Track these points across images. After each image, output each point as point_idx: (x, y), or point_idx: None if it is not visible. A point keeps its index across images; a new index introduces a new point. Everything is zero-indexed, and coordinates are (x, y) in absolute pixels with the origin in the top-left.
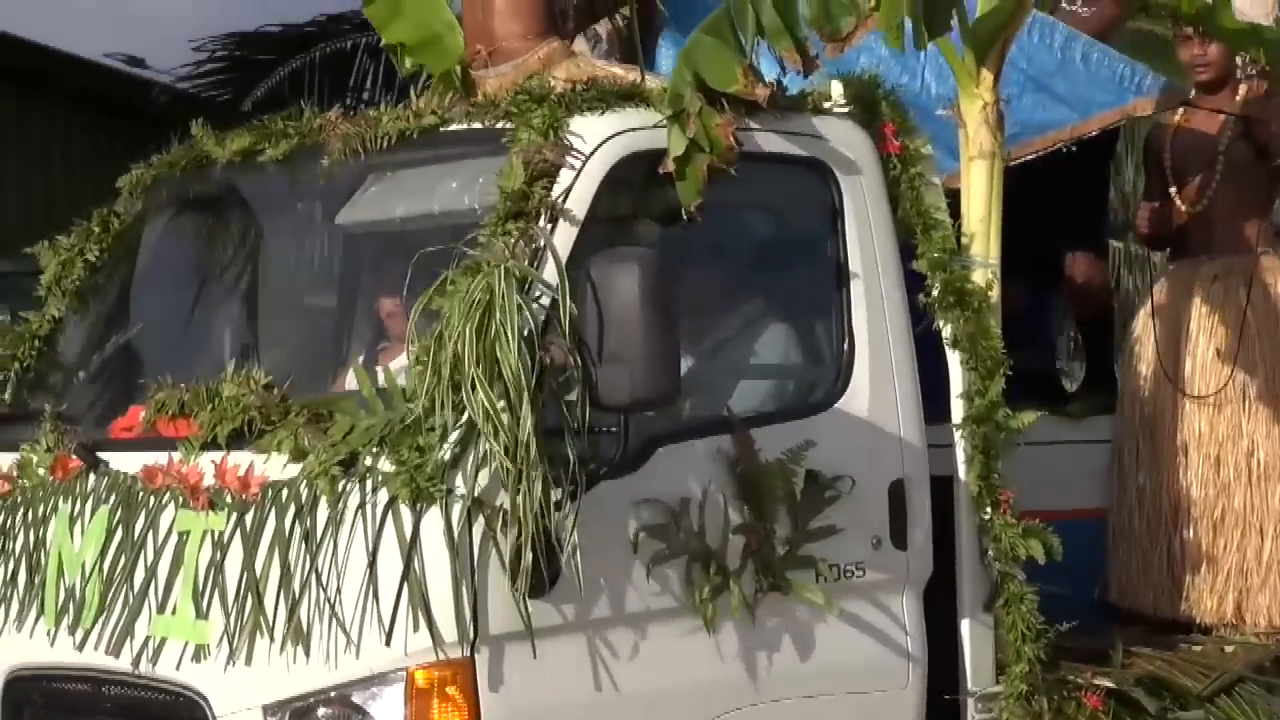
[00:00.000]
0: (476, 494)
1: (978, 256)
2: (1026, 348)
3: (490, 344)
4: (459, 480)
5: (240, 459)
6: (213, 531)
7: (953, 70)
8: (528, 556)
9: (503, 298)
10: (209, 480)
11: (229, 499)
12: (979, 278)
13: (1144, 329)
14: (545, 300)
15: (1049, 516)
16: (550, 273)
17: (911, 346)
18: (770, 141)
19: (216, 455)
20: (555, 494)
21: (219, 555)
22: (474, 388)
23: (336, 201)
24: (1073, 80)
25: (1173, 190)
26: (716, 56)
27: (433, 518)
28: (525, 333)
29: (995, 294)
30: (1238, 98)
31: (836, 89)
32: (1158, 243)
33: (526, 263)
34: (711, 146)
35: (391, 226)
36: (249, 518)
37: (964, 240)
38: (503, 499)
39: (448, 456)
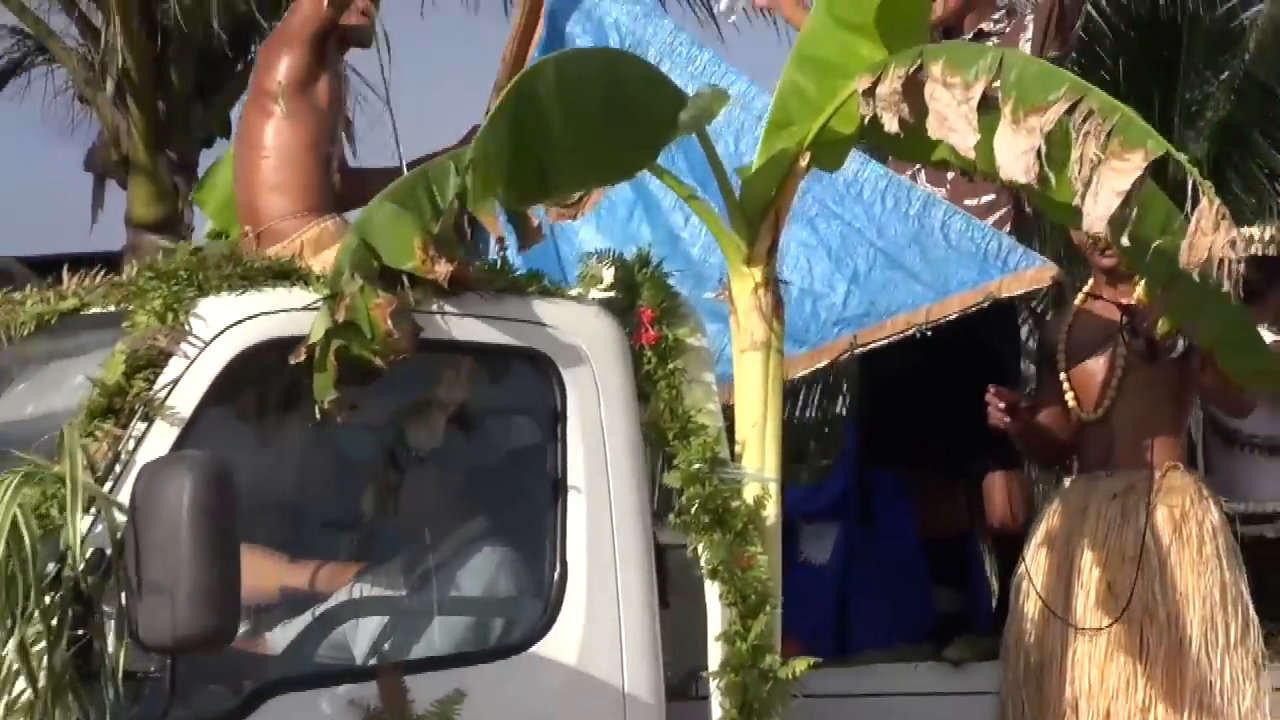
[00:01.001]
0: None
1: (749, 468)
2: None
3: None
4: None
5: None
6: None
7: (720, 245)
8: None
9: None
10: None
11: None
12: (750, 494)
13: (1033, 559)
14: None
15: None
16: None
17: (650, 574)
18: (469, 329)
19: None
20: None
21: None
22: None
23: None
24: (930, 254)
25: (1069, 394)
26: (394, 227)
27: None
28: (36, 554)
29: (770, 514)
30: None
31: (609, 273)
32: (1045, 455)
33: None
34: (373, 333)
35: (23, 429)
36: None
37: (737, 448)
38: None
39: None
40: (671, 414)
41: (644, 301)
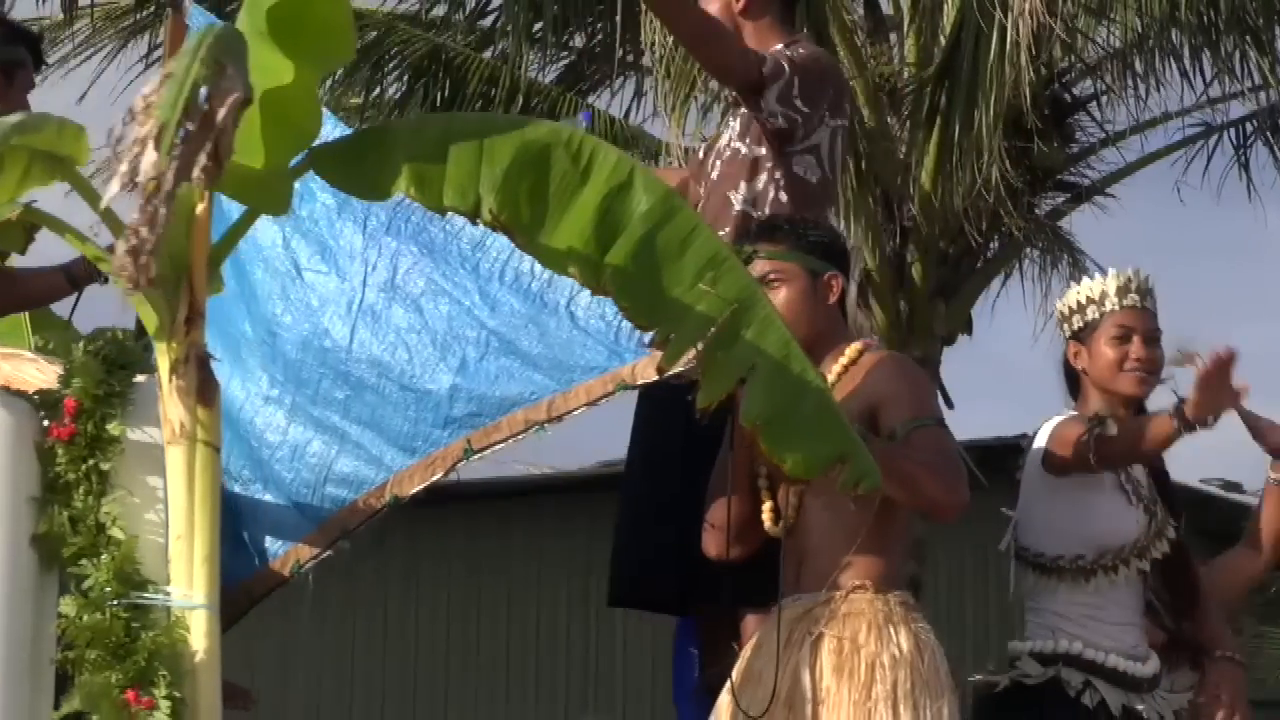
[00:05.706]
0: None
1: (175, 590)
2: None
3: None
4: None
5: None
6: None
7: (138, 310)
8: None
9: None
10: None
11: None
12: (167, 624)
13: (720, 706)
14: None
15: None
16: None
17: None
18: None
19: None
20: None
21: None
22: None
23: None
24: (551, 336)
25: (766, 504)
26: None
27: None
28: None
29: (198, 648)
30: None
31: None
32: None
33: None
34: None
35: None
36: None
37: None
38: None
39: None
40: (74, 528)
41: (71, 391)
